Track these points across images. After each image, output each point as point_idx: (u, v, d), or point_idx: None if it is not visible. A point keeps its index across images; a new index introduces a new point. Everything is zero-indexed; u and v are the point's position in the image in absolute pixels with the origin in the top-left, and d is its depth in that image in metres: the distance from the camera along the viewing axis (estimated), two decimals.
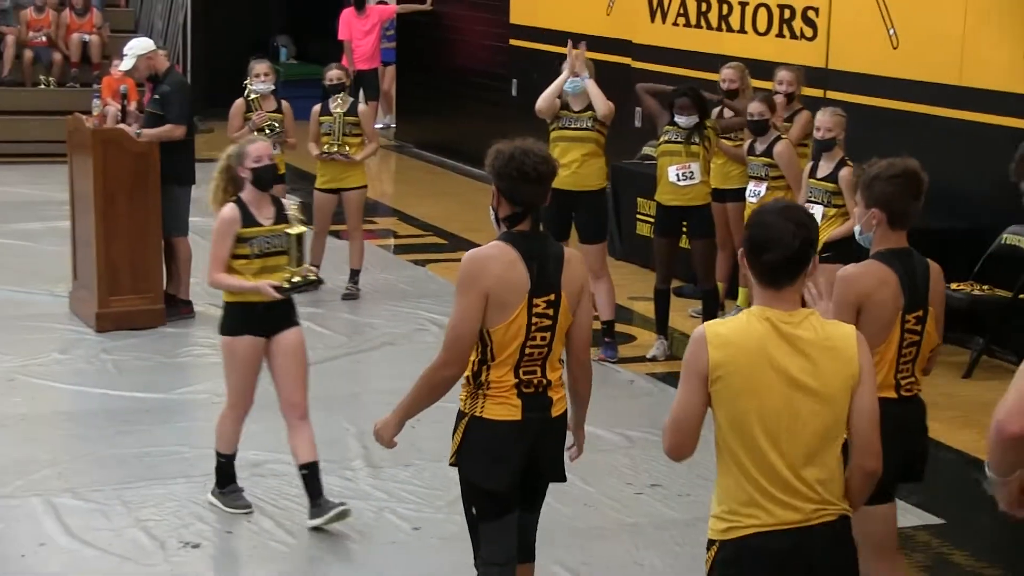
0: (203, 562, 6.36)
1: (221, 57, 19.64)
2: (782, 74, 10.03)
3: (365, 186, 11.08)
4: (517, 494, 4.88)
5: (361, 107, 11.01)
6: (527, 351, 4.77)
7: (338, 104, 10.87)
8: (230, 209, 6.59)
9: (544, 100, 9.41)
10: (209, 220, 12.24)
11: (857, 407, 3.94)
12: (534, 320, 4.76)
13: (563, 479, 5.04)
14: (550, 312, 4.79)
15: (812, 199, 8.69)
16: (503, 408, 4.79)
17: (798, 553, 3.86)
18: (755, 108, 9.35)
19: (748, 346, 3.86)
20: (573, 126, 9.37)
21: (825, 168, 8.73)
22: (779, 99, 9.79)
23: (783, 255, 3.87)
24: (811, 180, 8.80)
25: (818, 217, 8.62)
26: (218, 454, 6.90)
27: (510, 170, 4.84)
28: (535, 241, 4.84)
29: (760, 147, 9.39)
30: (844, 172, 8.64)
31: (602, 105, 9.27)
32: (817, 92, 10.80)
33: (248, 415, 6.81)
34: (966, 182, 9.95)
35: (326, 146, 10.82)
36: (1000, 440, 3.74)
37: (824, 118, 8.70)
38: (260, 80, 10.78)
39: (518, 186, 4.80)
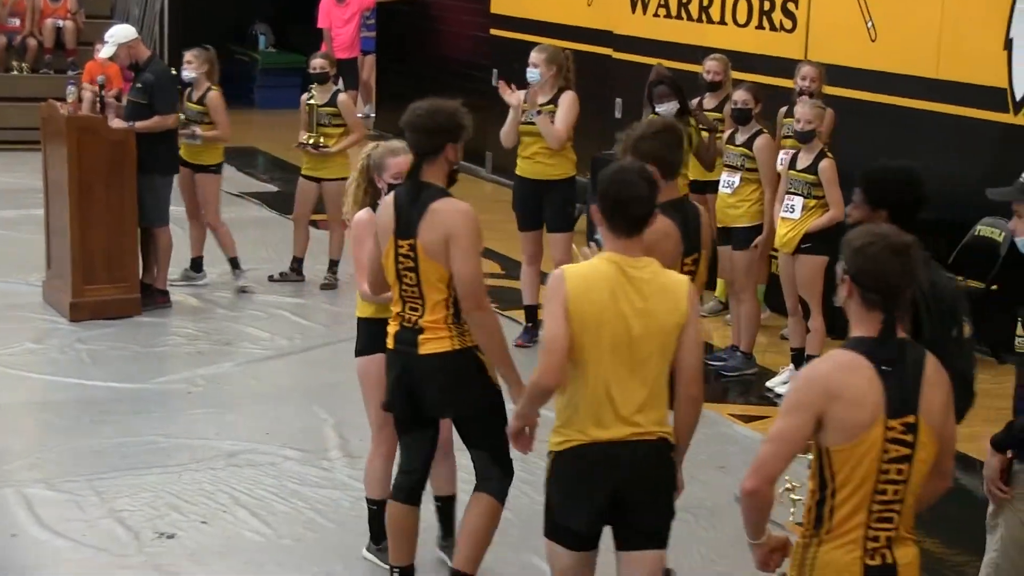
0: (178, 553, 6.35)
1: (198, 45, 19.57)
2: (805, 69, 9.80)
3: (346, 178, 10.89)
4: (407, 416, 5.57)
5: (342, 97, 10.83)
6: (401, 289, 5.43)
7: (312, 95, 10.78)
8: (366, 213, 6.02)
9: (505, 136, 9.49)
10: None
11: (684, 342, 4.60)
12: (400, 260, 5.39)
13: (442, 415, 5.57)
14: (410, 261, 5.38)
15: (792, 190, 8.69)
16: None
17: (620, 465, 4.55)
18: (740, 96, 9.28)
19: (599, 284, 4.55)
20: (527, 121, 9.42)
21: (805, 160, 8.73)
22: (804, 98, 9.33)
23: (643, 211, 4.59)
24: (791, 172, 8.80)
25: (798, 209, 8.64)
26: (369, 501, 6.23)
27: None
28: None
29: (740, 137, 9.35)
30: (824, 164, 8.66)
31: (552, 140, 9.27)
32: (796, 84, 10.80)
33: (240, 405, 6.62)
34: (943, 174, 9.97)
35: (304, 137, 10.76)
36: (741, 498, 3.99)
37: (804, 110, 8.71)
38: (185, 68, 10.59)
39: None
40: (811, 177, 8.66)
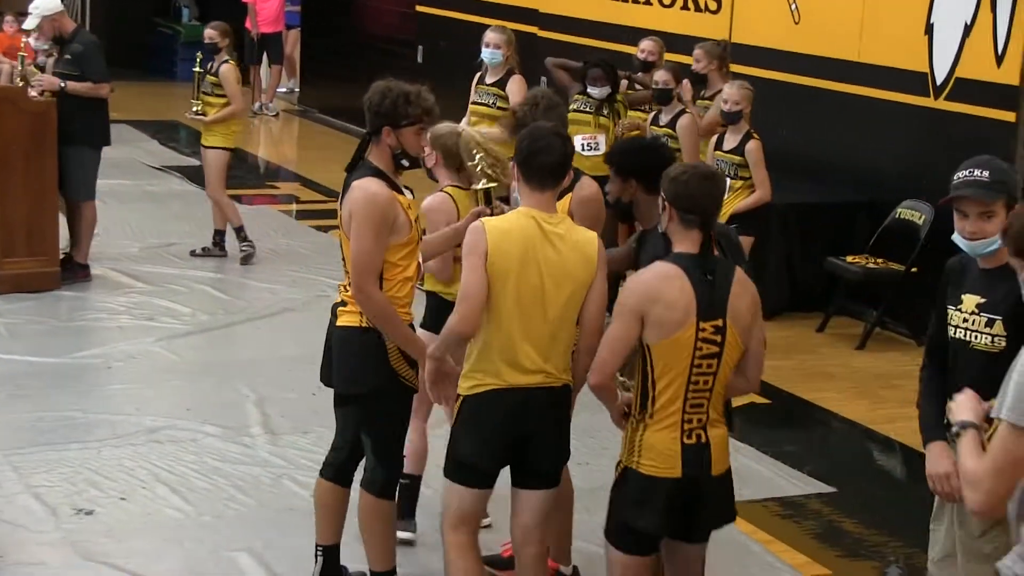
0: (97, 529, 6.28)
1: (122, 18, 19.34)
2: (644, 43, 10.04)
3: (223, 148, 10.77)
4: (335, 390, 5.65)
5: (224, 67, 10.64)
6: None
7: (196, 63, 10.75)
8: (438, 196, 6.01)
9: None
10: (119, 182, 12.08)
11: (590, 295, 4.80)
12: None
13: (335, 389, 5.58)
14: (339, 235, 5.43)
15: (480, 101, 9.07)
16: None
17: (523, 409, 4.81)
18: (660, 76, 9.34)
19: (517, 237, 4.73)
20: (479, 100, 9.47)
21: (732, 141, 8.82)
22: (734, 81, 9.36)
23: (555, 160, 4.77)
24: (717, 152, 8.87)
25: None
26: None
27: None
28: None
29: (664, 118, 9.40)
30: (751, 145, 8.73)
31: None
32: None
33: (161, 381, 6.58)
34: (864, 157, 10.09)
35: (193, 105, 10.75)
36: (592, 390, 4.73)
37: (731, 91, 8.79)
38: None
39: None
40: (738, 158, 8.73)
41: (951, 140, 9.18)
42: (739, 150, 8.74)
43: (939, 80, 9.41)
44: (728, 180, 8.66)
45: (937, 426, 4.53)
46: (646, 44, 10.21)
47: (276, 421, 7.58)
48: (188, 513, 6.48)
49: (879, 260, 9.70)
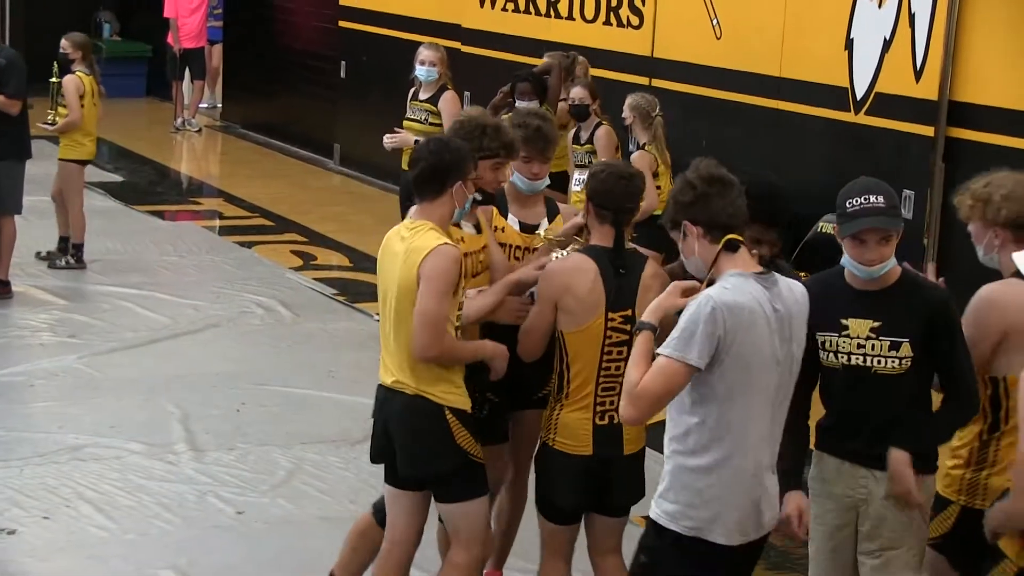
0: (19, 548, 6.21)
1: (42, 32, 19.10)
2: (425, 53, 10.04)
3: (74, 160, 10.77)
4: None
5: (67, 78, 10.67)
6: None
7: (54, 74, 10.74)
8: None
9: None
10: (40, 199, 11.92)
11: (416, 308, 4.79)
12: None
13: None
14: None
15: (578, 163, 9.30)
16: None
17: (384, 406, 4.99)
18: (577, 94, 9.50)
19: (386, 242, 4.96)
20: (412, 117, 9.56)
21: (585, 133, 9.39)
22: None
23: (419, 171, 4.89)
24: (574, 146, 9.41)
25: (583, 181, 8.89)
26: None
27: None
28: None
29: (584, 135, 9.51)
30: (600, 131, 9.27)
31: None
32: (643, 80, 10.95)
33: (84, 398, 6.46)
34: (786, 171, 10.17)
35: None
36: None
37: (576, 90, 9.38)
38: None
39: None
40: (590, 146, 9.20)
41: (871, 154, 9.29)
42: (590, 138, 9.29)
43: (859, 95, 9.53)
44: (587, 171, 8.86)
45: (795, 472, 4.56)
46: (426, 54, 10.23)
47: (201, 438, 7.52)
48: (112, 531, 6.42)
49: (802, 273, 9.77)
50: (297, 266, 11.35)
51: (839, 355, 4.49)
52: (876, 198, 4.42)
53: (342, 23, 15.49)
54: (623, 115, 9.28)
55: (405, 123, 9.59)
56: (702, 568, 4.22)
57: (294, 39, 16.88)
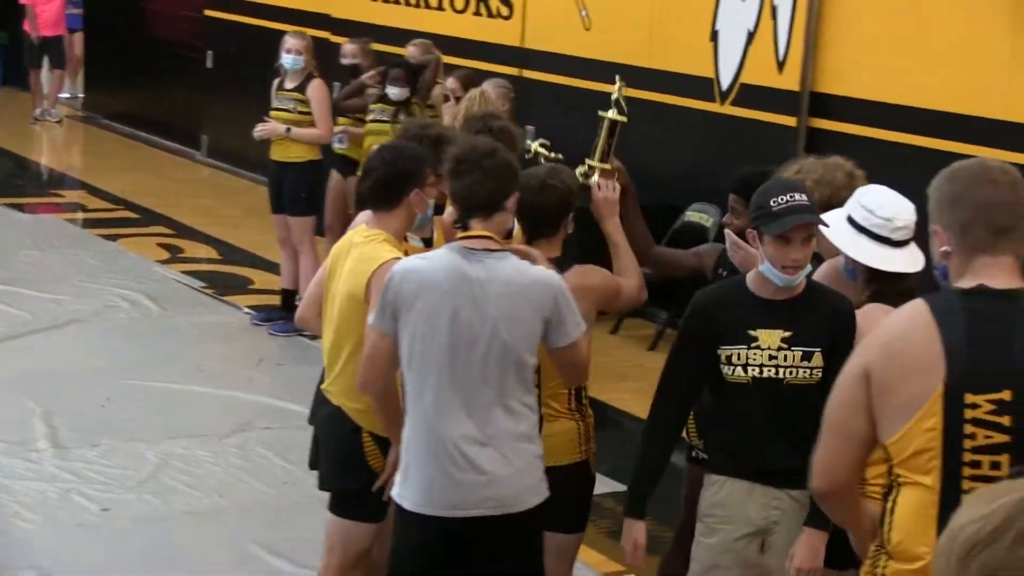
0: None
1: None
2: (347, 47, 10.18)
3: None
4: None
5: None
6: None
7: None
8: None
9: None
10: None
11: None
12: None
13: None
14: None
15: (281, 107, 9.42)
16: None
17: (317, 411, 5.00)
18: (451, 84, 9.36)
19: (335, 248, 4.89)
20: (280, 107, 9.46)
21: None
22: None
23: (368, 181, 4.79)
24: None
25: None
26: None
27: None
28: None
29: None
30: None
31: (318, 142, 9.52)
32: (514, 71, 10.96)
33: None
34: (654, 161, 10.26)
35: None
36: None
37: (349, 46, 9.74)
38: None
39: None
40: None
41: (737, 144, 9.41)
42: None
43: (724, 86, 9.64)
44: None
45: (640, 497, 4.52)
46: (348, 48, 10.21)
47: (64, 435, 7.36)
48: None
49: None
50: (164, 259, 11.17)
51: (748, 368, 4.30)
52: (800, 196, 4.23)
53: (208, 12, 15.25)
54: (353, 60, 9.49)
55: (272, 113, 9.49)
56: (409, 536, 4.30)
57: (159, 28, 16.59)
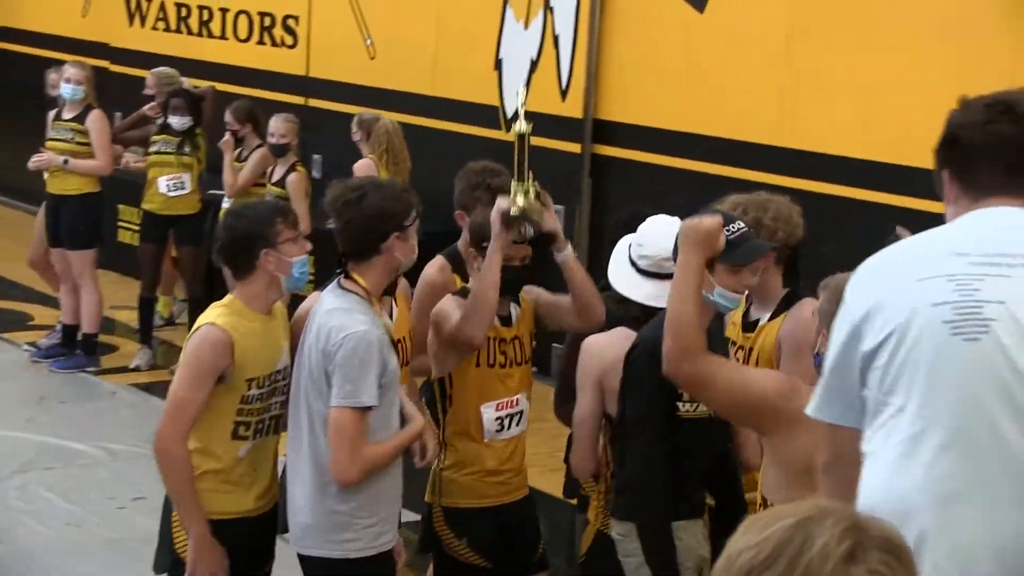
0: None
1: None
2: (149, 78, 10.09)
3: None
4: None
5: None
6: None
7: None
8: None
9: None
10: None
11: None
12: None
13: None
14: None
15: (58, 138, 9.13)
16: None
17: None
18: (277, 129, 9.12)
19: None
20: (57, 137, 9.25)
21: (279, 173, 9.03)
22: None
23: (222, 248, 4.55)
24: (270, 186, 9.01)
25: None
26: None
27: None
28: None
29: (279, 172, 9.21)
30: (292, 177, 8.95)
31: (97, 173, 9.25)
32: (299, 100, 10.91)
33: None
34: (441, 187, 10.31)
35: None
36: None
37: (277, 124, 8.98)
38: None
39: None
40: (283, 191, 8.83)
41: None
42: (282, 183, 8.95)
43: (509, 113, 9.75)
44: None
45: None
46: (150, 79, 10.06)
47: None
48: None
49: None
50: None
51: (692, 405, 4.20)
52: (741, 224, 4.03)
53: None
54: (282, 139, 8.96)
55: (48, 143, 9.26)
56: None
57: None
